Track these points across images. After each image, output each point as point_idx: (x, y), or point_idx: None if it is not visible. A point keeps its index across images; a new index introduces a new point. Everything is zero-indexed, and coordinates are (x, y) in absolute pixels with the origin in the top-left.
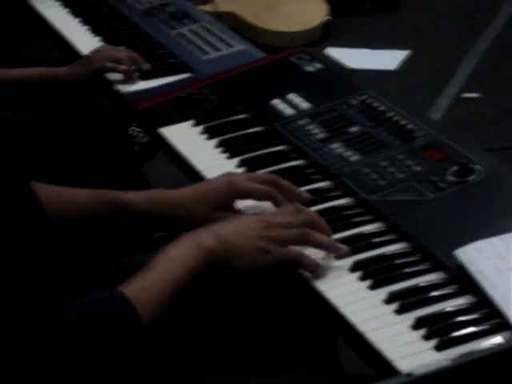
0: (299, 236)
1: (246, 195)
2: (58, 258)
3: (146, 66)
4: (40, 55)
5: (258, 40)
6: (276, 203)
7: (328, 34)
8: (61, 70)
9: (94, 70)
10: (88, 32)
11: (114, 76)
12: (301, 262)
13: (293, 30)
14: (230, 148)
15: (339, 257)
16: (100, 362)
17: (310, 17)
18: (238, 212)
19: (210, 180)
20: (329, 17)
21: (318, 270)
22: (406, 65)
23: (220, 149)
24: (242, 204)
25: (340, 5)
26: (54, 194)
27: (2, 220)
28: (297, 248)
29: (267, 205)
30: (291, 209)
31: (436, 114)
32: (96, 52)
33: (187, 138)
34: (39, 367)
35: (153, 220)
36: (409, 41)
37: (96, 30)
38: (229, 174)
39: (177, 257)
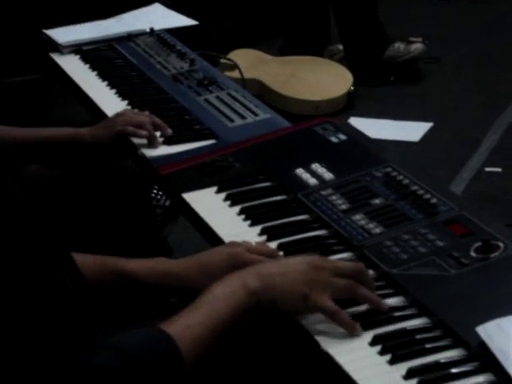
0: (347, 287)
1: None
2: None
3: (169, 132)
4: (71, 115)
5: (281, 107)
6: None
7: (352, 103)
8: (84, 132)
9: (115, 134)
10: (115, 95)
11: (139, 140)
12: (339, 319)
13: (317, 98)
14: (252, 216)
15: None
16: None
17: (335, 86)
18: None
19: (212, 251)
20: (353, 87)
21: (355, 331)
22: (428, 137)
23: (242, 216)
24: None
25: (364, 75)
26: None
27: (41, 257)
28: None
29: None
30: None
31: (458, 187)
32: (119, 115)
33: (210, 205)
34: None
35: (156, 290)
36: (432, 113)
37: (123, 94)
38: (231, 244)
39: (222, 295)
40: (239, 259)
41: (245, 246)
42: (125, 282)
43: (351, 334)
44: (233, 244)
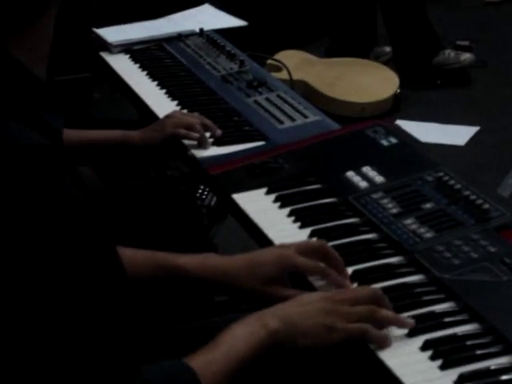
0: (366, 313)
1: (298, 270)
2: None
3: (219, 133)
4: (111, 114)
5: (327, 109)
6: (326, 278)
7: (398, 106)
8: (134, 134)
9: (166, 136)
10: (164, 95)
11: (188, 141)
12: (369, 336)
13: (363, 101)
14: (301, 218)
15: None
16: None
17: (381, 89)
18: (290, 287)
19: (263, 251)
20: (399, 89)
21: (387, 342)
22: (475, 141)
23: (292, 218)
24: None
25: (411, 78)
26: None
27: (84, 265)
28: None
29: None
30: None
31: (504, 192)
32: (168, 117)
33: (260, 206)
34: None
35: (205, 285)
36: (478, 117)
37: (172, 94)
38: (281, 246)
39: (242, 336)
40: (289, 262)
41: (295, 247)
42: (174, 277)
43: (383, 346)
44: (283, 246)
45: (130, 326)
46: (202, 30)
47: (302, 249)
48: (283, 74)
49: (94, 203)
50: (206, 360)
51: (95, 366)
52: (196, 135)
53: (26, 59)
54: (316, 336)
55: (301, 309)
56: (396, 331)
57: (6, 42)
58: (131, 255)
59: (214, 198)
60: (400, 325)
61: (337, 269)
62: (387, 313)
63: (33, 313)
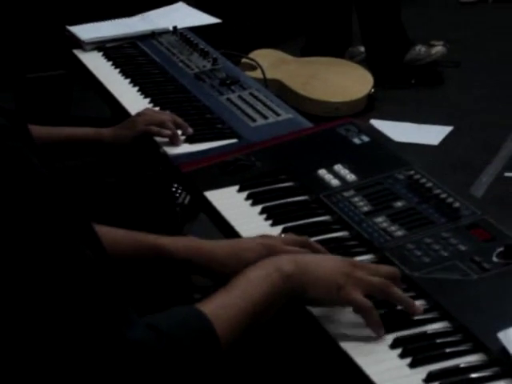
0: (381, 285)
1: None
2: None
3: (190, 131)
4: (90, 112)
5: (301, 108)
6: None
7: (372, 105)
8: (105, 132)
9: (138, 134)
10: (137, 93)
11: (160, 138)
12: (370, 316)
13: (337, 100)
14: (273, 215)
15: (413, 315)
16: (174, 376)
17: (355, 88)
18: None
19: (246, 239)
20: (373, 89)
21: (381, 332)
22: (448, 141)
23: (264, 215)
24: None
25: (385, 78)
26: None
27: (63, 233)
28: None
29: None
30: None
31: (477, 191)
32: (140, 115)
33: (232, 203)
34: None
35: (188, 267)
36: (452, 117)
37: (145, 92)
38: (265, 236)
39: (255, 278)
40: (273, 249)
41: (280, 238)
42: (156, 257)
43: (376, 334)
44: (267, 235)
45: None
46: (175, 27)
47: (287, 240)
48: (258, 73)
49: (65, 180)
50: (220, 305)
51: (91, 311)
52: (167, 132)
53: None
54: (325, 290)
55: (318, 260)
56: (365, 330)
57: None
58: (110, 232)
59: (188, 196)
60: (411, 308)
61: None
62: (399, 291)
63: (16, 289)
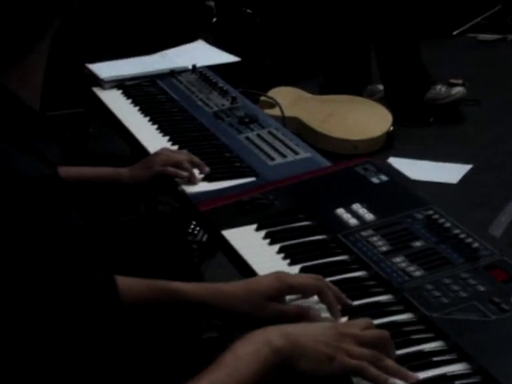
0: (370, 358)
1: (296, 290)
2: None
3: (206, 170)
4: (108, 148)
5: (320, 146)
6: (324, 298)
7: (391, 143)
8: (123, 172)
9: (155, 174)
10: (156, 131)
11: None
12: (368, 374)
13: (356, 138)
14: (291, 255)
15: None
16: None
17: (374, 126)
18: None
19: (260, 276)
20: (392, 127)
21: (389, 380)
22: (467, 179)
23: (282, 255)
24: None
25: (404, 116)
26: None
27: (96, 289)
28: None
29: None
30: (362, 323)
31: (496, 231)
32: (157, 155)
33: (249, 242)
34: None
35: (204, 309)
36: (471, 155)
37: (164, 130)
38: (279, 272)
39: (245, 355)
40: (287, 282)
41: (292, 275)
42: (170, 300)
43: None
44: (282, 272)
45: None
46: (194, 66)
47: (301, 277)
48: (276, 111)
49: (96, 233)
50: (209, 383)
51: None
52: (184, 174)
53: (18, 89)
54: (317, 362)
55: (306, 331)
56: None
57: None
58: (126, 282)
59: (205, 234)
60: (402, 378)
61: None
62: (391, 363)
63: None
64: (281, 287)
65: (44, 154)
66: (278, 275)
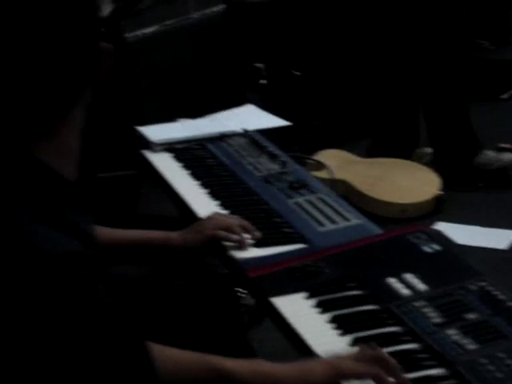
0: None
1: (350, 377)
2: None
3: (257, 235)
4: (157, 210)
5: (368, 209)
6: None
7: (439, 208)
8: (174, 236)
9: (206, 238)
10: (206, 195)
11: (228, 242)
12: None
13: (404, 201)
14: (343, 325)
15: None
16: None
17: (423, 190)
18: None
19: (315, 363)
20: (441, 191)
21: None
22: None
23: (333, 324)
24: None
25: (453, 180)
26: (163, 356)
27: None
28: None
29: None
30: None
31: None
32: (208, 219)
33: (299, 311)
34: None
35: None
36: None
37: (214, 194)
38: (336, 356)
39: None
40: (340, 369)
41: (352, 355)
42: (221, 381)
43: None
44: (337, 354)
45: None
46: (245, 130)
47: (358, 358)
48: (324, 173)
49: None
50: None
51: None
52: (235, 237)
53: (52, 159)
54: None
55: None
56: None
57: (30, 144)
58: (177, 355)
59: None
60: None
61: (394, 374)
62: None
63: None
64: (336, 375)
65: (77, 225)
66: (333, 364)
